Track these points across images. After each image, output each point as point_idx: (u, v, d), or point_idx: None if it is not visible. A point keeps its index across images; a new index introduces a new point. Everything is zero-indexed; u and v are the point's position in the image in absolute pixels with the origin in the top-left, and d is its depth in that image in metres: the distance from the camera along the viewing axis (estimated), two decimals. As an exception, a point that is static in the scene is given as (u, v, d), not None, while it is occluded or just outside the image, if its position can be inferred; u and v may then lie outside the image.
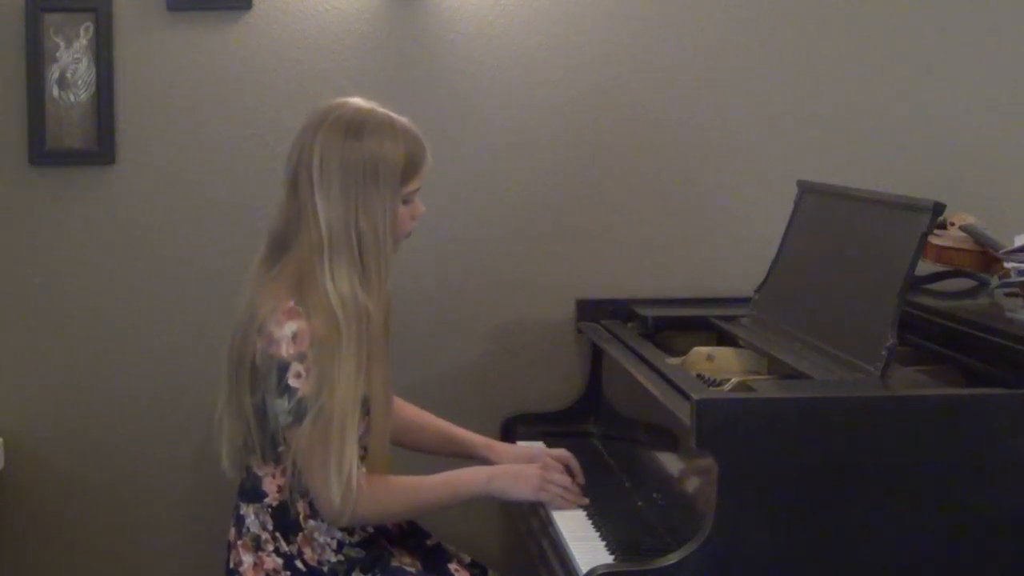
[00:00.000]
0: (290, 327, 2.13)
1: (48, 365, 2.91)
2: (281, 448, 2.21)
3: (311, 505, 2.24)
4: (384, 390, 2.25)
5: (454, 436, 2.54)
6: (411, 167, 2.22)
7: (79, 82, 2.85)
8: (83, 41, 2.84)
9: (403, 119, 2.25)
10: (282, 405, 2.14)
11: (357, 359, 2.15)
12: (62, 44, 2.84)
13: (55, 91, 2.85)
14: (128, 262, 2.91)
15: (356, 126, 2.19)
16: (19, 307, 2.90)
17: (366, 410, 2.26)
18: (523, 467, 2.37)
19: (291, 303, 2.14)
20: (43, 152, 2.85)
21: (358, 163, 2.17)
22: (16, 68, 2.84)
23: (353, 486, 2.15)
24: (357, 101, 2.25)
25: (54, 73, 2.85)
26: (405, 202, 2.24)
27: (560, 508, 2.31)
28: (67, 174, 2.88)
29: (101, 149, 2.86)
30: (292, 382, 2.13)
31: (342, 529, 2.26)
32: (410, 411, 2.56)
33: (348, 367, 2.14)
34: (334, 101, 2.26)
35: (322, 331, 2.14)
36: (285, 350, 2.13)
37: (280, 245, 2.24)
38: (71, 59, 2.84)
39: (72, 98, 2.86)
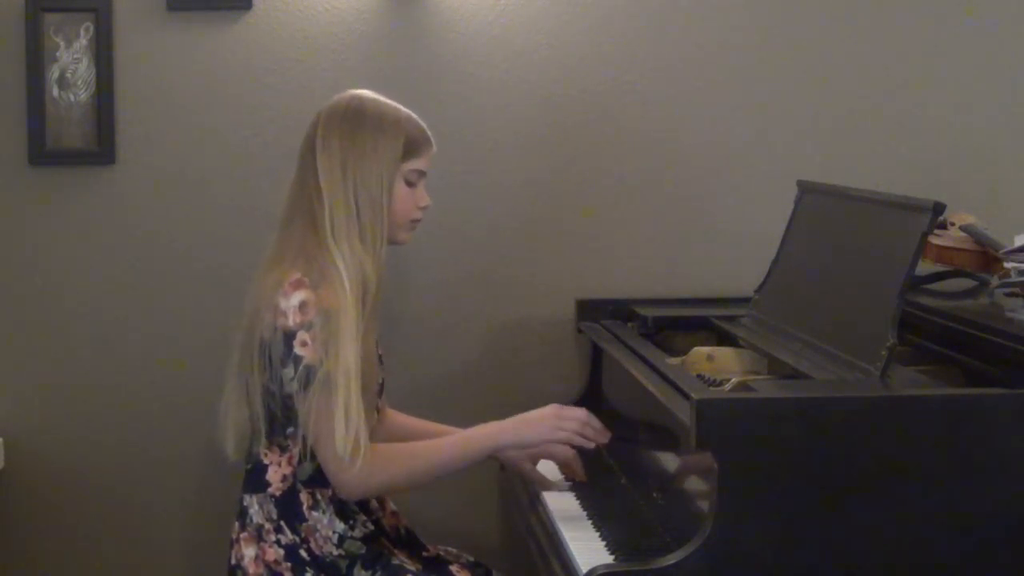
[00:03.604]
0: (296, 297, 2.18)
1: (48, 365, 2.91)
2: (290, 430, 2.23)
3: (314, 496, 2.26)
4: (373, 349, 2.33)
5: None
6: (411, 145, 2.31)
7: (79, 82, 2.85)
8: (83, 41, 2.84)
9: (407, 110, 2.35)
10: (288, 374, 2.18)
11: (356, 322, 2.20)
12: (62, 44, 2.84)
13: (55, 91, 2.85)
14: (128, 262, 2.91)
15: (357, 108, 2.31)
16: (19, 307, 2.90)
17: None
18: (533, 412, 2.34)
19: (297, 275, 2.20)
20: (43, 152, 2.85)
21: (357, 138, 2.28)
22: (16, 68, 2.84)
23: (361, 450, 2.17)
24: (364, 91, 2.36)
25: (54, 73, 2.85)
26: (409, 184, 2.32)
27: (582, 446, 2.30)
28: (67, 174, 2.88)
29: (101, 149, 2.86)
30: (298, 350, 2.17)
31: (343, 521, 2.27)
32: (416, 424, 2.57)
33: (350, 329, 2.19)
34: (343, 92, 2.36)
35: (327, 298, 2.19)
36: (292, 319, 2.18)
37: (287, 222, 2.31)
38: (71, 59, 2.84)
39: (72, 98, 2.86)
